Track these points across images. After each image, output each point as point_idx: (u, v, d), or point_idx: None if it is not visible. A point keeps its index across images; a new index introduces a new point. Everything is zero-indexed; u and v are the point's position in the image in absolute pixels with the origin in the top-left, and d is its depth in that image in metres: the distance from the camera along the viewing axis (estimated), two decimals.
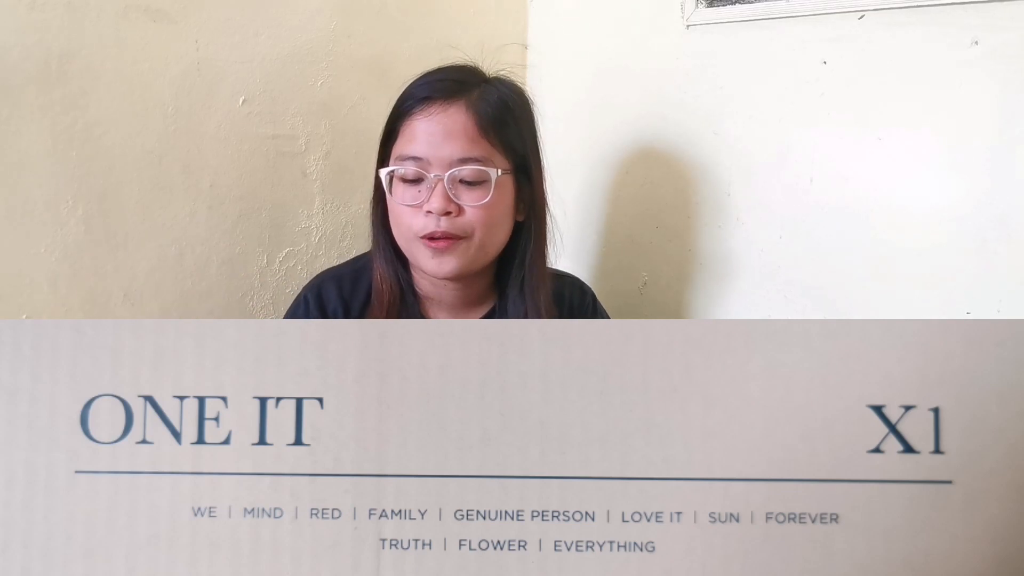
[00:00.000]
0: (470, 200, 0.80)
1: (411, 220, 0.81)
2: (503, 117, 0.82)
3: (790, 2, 0.91)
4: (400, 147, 0.82)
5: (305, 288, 0.90)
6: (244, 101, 0.96)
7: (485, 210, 0.80)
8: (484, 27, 1.17)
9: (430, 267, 0.82)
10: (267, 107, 0.98)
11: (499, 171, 0.80)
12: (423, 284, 0.87)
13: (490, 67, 0.86)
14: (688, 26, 1.02)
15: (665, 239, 1.07)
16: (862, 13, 0.85)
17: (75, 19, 0.83)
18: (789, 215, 0.93)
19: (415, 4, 1.11)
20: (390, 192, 0.82)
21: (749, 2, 0.96)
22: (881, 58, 0.84)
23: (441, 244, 0.80)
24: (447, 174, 0.79)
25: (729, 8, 0.98)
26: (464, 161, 0.79)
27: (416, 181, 0.80)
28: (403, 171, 0.80)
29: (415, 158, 0.80)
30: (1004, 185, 0.77)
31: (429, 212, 0.79)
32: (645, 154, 1.08)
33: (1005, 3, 0.76)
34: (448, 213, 0.79)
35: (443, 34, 1.12)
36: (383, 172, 0.83)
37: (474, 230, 0.81)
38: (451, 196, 0.79)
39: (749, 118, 0.96)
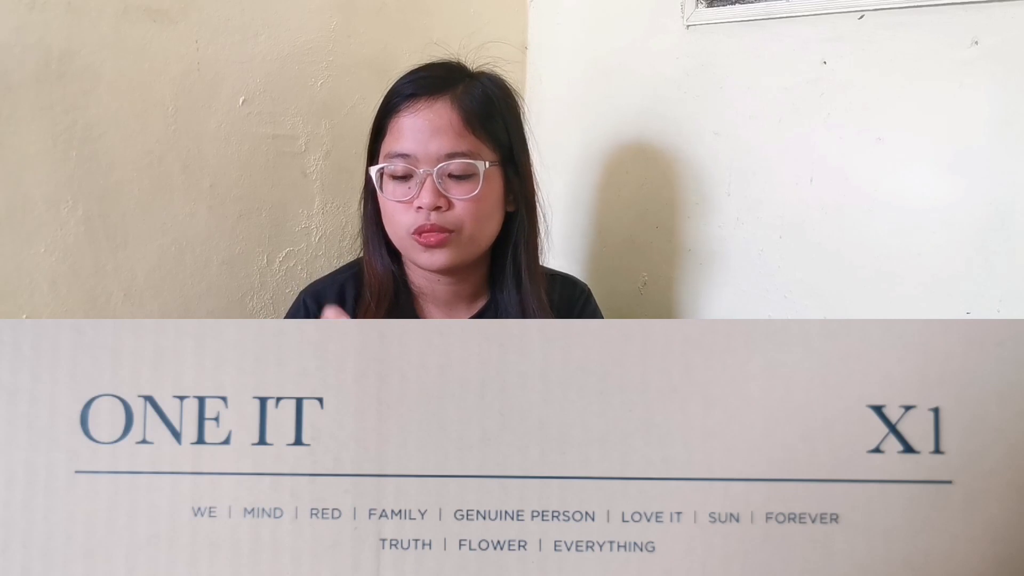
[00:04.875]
0: (459, 193, 0.80)
1: (402, 216, 0.82)
2: (487, 110, 0.83)
3: (790, 2, 0.91)
4: (388, 144, 0.82)
5: (301, 293, 0.90)
6: (244, 101, 0.96)
7: (474, 203, 0.81)
8: (484, 27, 1.17)
9: (423, 261, 0.83)
10: (267, 107, 0.98)
11: (487, 163, 0.81)
12: (417, 280, 0.88)
13: (474, 63, 0.87)
14: (688, 26, 1.02)
15: (665, 239, 1.07)
16: (862, 13, 0.85)
17: (75, 19, 0.83)
18: (789, 215, 0.93)
19: (415, 4, 1.11)
20: (381, 189, 0.83)
21: (749, 2, 0.96)
22: (881, 58, 0.84)
23: (432, 240, 0.81)
24: (435, 169, 0.79)
25: (729, 8, 0.98)
26: (451, 156, 0.80)
27: (406, 177, 0.81)
28: (392, 168, 0.81)
29: (403, 155, 0.81)
30: (1004, 185, 0.77)
31: (419, 208, 0.80)
32: (645, 154, 1.08)
33: (1005, 3, 0.76)
34: (438, 208, 0.80)
35: (443, 34, 1.12)
36: (373, 170, 0.83)
37: (463, 224, 0.81)
38: (440, 190, 0.80)
39: (749, 118, 0.96)
